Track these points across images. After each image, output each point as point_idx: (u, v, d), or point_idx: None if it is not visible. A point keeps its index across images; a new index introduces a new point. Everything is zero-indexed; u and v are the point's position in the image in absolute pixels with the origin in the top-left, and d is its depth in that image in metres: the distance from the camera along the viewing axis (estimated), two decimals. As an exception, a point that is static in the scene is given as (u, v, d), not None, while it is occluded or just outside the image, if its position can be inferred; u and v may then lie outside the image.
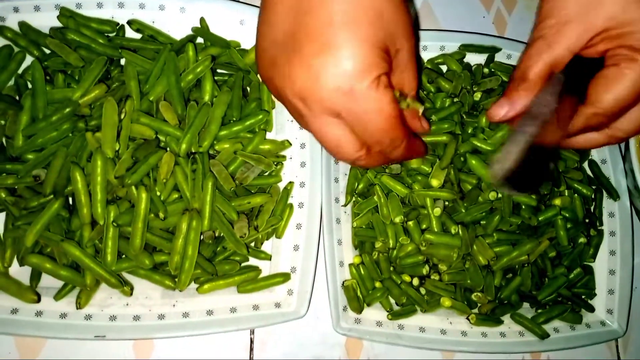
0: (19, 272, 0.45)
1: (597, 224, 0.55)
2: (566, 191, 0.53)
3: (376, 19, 0.32)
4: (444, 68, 0.57)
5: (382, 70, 0.33)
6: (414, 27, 0.36)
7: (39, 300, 0.44)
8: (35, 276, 0.45)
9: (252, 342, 0.50)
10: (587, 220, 0.54)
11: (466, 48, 0.57)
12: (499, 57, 0.58)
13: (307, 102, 0.33)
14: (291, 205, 0.50)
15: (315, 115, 0.34)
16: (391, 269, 0.50)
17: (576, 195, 0.54)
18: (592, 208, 0.56)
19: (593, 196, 0.55)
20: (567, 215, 0.52)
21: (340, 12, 0.31)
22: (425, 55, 0.57)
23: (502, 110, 0.39)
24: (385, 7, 0.33)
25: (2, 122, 0.47)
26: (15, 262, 0.46)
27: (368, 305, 0.49)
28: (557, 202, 0.52)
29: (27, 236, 0.43)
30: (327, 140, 0.36)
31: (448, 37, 0.57)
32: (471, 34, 0.58)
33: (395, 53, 0.35)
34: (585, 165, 0.57)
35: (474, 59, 0.58)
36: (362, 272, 0.49)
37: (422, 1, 0.64)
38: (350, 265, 0.50)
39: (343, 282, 0.48)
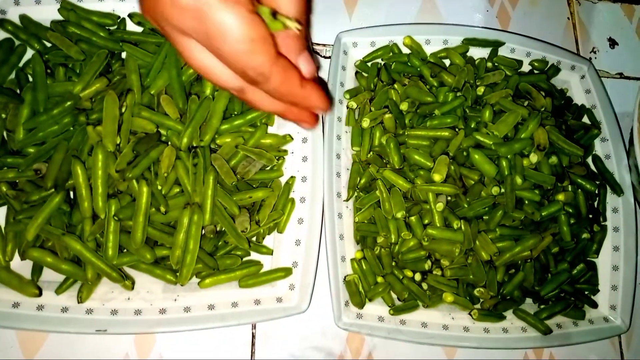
0: (21, 266, 0.45)
1: (601, 219, 0.55)
2: (570, 186, 0.52)
3: None
4: (447, 62, 0.57)
5: None
6: None
7: (40, 294, 0.44)
8: (37, 270, 0.45)
9: (253, 336, 0.49)
10: (590, 216, 0.54)
11: (469, 42, 0.57)
12: (502, 51, 0.58)
13: (158, 22, 0.30)
14: (293, 200, 0.50)
15: (171, 36, 0.30)
16: (393, 264, 0.50)
17: (580, 190, 0.53)
18: (595, 203, 0.56)
19: (597, 192, 0.55)
20: (570, 210, 0.52)
21: None
22: (429, 49, 0.57)
23: None
24: None
25: (3, 115, 0.47)
26: (16, 256, 0.45)
27: (370, 300, 0.49)
28: (561, 197, 0.51)
29: (28, 230, 0.43)
30: (192, 65, 0.32)
31: (451, 31, 0.57)
32: (474, 28, 0.58)
33: None
34: (589, 160, 0.57)
35: (478, 52, 0.58)
36: (364, 267, 0.49)
37: (425, -5, 0.63)
38: (352, 260, 0.49)
39: (345, 277, 0.48)
